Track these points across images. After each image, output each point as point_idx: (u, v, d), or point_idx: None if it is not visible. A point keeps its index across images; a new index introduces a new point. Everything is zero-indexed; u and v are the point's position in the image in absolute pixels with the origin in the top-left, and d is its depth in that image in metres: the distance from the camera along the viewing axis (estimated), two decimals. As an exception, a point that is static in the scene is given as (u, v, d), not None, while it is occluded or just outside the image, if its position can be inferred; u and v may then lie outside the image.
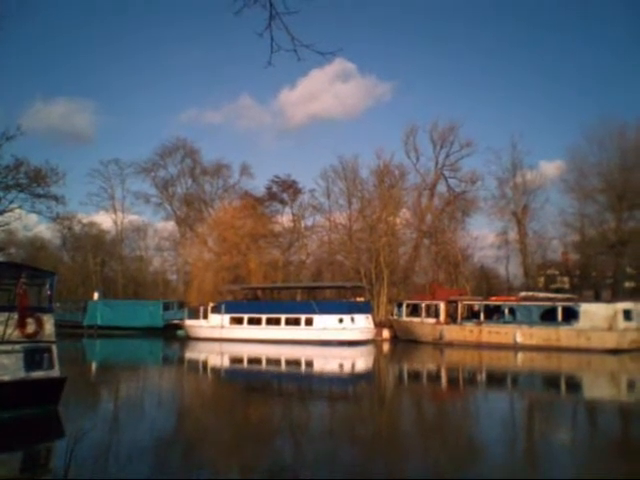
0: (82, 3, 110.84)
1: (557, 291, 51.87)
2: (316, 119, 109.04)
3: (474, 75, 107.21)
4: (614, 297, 45.42)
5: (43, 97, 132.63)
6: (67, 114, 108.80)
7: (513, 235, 58.62)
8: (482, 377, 27.23)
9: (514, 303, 40.61)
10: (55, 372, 15.89)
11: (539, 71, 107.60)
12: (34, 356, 15.34)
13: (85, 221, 74.87)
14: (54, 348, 16.07)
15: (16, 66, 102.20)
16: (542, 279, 63.69)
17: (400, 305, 47.24)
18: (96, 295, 57.29)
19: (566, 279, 62.19)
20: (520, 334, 38.46)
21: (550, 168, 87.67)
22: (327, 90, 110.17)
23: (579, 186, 54.06)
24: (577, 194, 54.47)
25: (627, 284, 56.03)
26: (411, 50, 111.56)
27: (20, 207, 50.15)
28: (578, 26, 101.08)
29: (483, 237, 64.21)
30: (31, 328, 15.31)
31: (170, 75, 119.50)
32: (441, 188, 63.37)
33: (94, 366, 32.91)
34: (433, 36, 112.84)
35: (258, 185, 75.28)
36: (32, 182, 48.74)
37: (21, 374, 14.88)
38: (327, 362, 33.65)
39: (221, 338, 45.24)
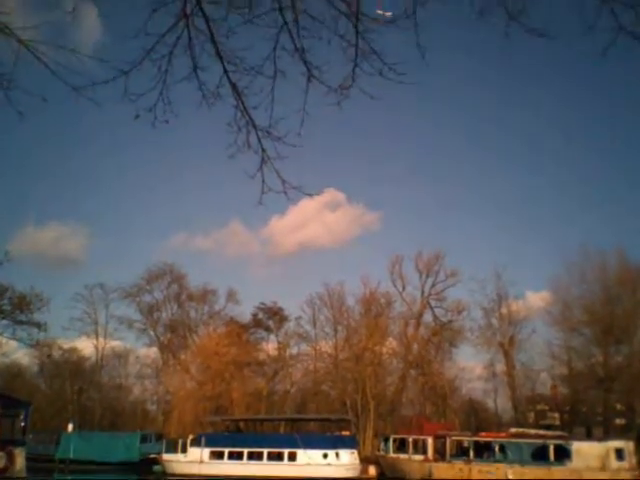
0: (76, 131, 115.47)
1: (548, 427, 50.58)
2: (304, 246, 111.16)
3: (459, 206, 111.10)
4: (605, 435, 44.29)
5: (35, 222, 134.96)
6: (58, 238, 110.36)
7: (501, 367, 58.05)
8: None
9: (504, 440, 39.35)
10: (21, 512, 14.97)
11: (520, 201, 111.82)
12: (1, 494, 14.52)
13: (65, 347, 73.30)
14: (23, 485, 15.24)
15: (11, 192, 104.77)
16: (532, 414, 62.35)
17: (387, 440, 45.61)
18: (70, 426, 54.93)
19: (556, 415, 60.91)
20: (512, 474, 36.94)
21: (536, 299, 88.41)
22: (316, 218, 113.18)
23: (564, 318, 54.27)
24: (562, 326, 54.59)
25: (618, 421, 54.87)
26: (398, 181, 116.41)
27: (1, 334, 49.35)
28: (559, 157, 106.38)
29: (470, 368, 63.54)
30: (1, 462, 14.59)
31: (162, 201, 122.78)
32: (427, 317, 63.52)
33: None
34: (419, 168, 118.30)
35: (244, 311, 75.00)
36: (15, 308, 48.27)
37: (-15, 514, 14.00)
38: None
39: (200, 474, 42.98)
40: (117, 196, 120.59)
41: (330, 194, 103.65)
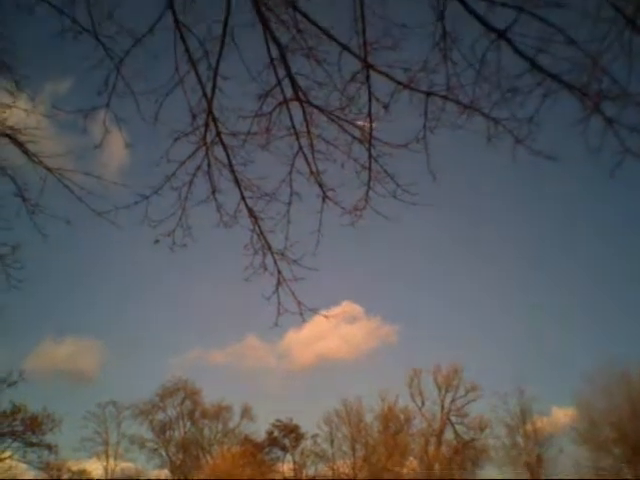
0: (95, 247, 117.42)
1: None
2: (321, 359, 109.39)
3: (476, 318, 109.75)
4: None
5: (53, 337, 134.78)
6: (73, 354, 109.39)
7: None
8: None
9: None
10: None
11: (536, 314, 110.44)
12: None
13: (75, 469, 70.21)
14: None
15: (30, 307, 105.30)
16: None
17: None
18: None
19: None
20: None
21: (562, 415, 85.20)
22: (333, 331, 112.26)
23: (591, 436, 51.70)
24: (590, 445, 51.87)
25: None
26: (415, 294, 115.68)
27: (11, 457, 47.63)
28: (579, 271, 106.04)
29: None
30: None
31: (178, 317, 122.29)
32: (449, 434, 61.18)
33: None
34: (434, 281, 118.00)
35: (259, 428, 72.75)
36: (27, 430, 46.93)
37: None
38: None
39: None
40: (133, 311, 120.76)
41: (347, 306, 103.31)
